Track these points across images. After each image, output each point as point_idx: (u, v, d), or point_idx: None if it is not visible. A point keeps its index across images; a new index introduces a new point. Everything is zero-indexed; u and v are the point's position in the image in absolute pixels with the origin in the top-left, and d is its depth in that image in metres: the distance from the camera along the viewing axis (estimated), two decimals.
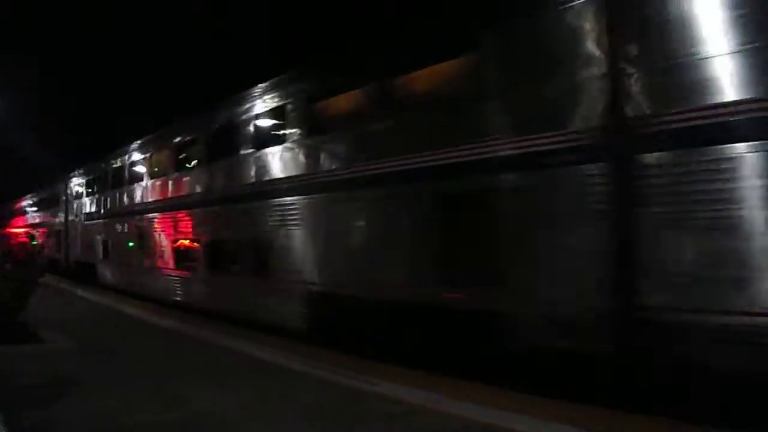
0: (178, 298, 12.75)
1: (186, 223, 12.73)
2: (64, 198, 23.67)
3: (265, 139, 9.89)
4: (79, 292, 16.88)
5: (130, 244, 15.68)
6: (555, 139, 5.50)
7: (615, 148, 5.07)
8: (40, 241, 27.98)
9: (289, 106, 9.13)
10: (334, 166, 8.23)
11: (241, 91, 10.60)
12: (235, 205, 10.67)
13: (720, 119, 4.48)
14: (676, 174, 4.70)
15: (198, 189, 12.25)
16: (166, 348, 8.35)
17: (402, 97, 7.42)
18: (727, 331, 4.39)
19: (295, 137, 9.02)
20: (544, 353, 5.45)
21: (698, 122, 4.57)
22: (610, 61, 5.11)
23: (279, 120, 9.54)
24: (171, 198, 13.53)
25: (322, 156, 8.45)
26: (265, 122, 9.97)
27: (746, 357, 4.33)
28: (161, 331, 9.85)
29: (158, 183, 14.38)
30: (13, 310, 8.44)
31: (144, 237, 14.74)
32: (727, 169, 4.44)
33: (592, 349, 5.14)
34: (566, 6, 5.54)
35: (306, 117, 8.86)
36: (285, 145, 9.28)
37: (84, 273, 19.90)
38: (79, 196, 21.84)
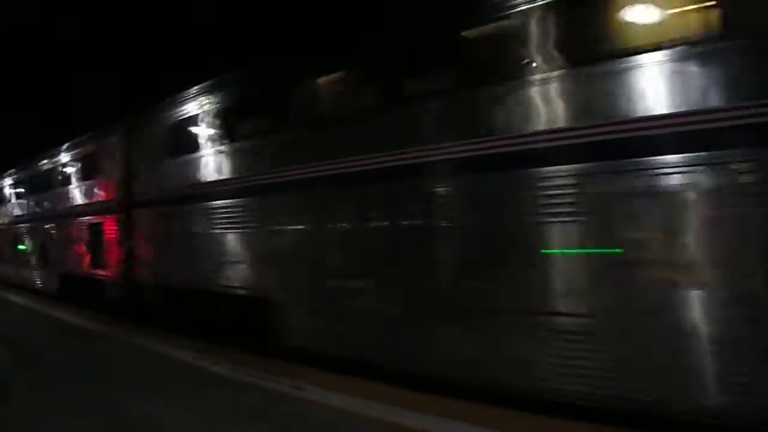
0: None
1: None
2: (121, 157, 11.61)
3: None
4: (12, 296, 16.20)
5: None
6: None
7: None
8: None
9: None
10: None
11: None
12: None
13: None
14: None
15: None
16: (102, 354, 8.25)
17: None
18: None
19: None
20: None
21: None
22: None
23: None
24: None
25: None
26: None
27: None
28: (97, 338, 9.60)
29: None
30: None
31: None
32: None
33: None
34: None
35: None
36: None
37: (195, 318, 9.09)
38: (193, 146, 9.33)
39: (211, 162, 8.92)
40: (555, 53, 4.99)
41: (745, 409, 4.10)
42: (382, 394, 5.67)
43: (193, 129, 9.36)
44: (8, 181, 19.71)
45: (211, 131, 8.95)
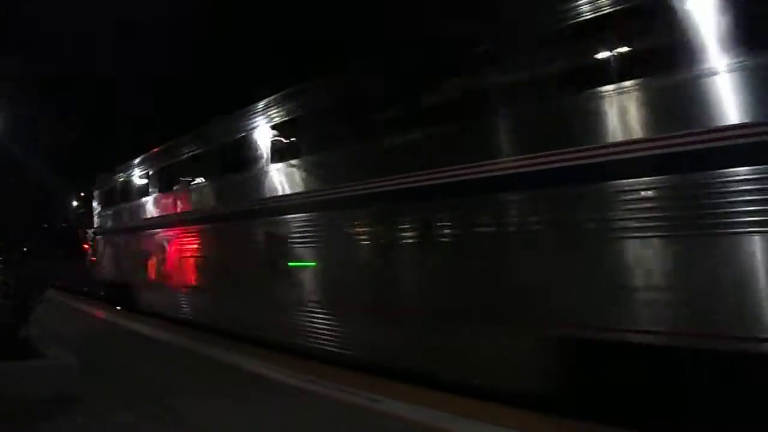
0: None
1: None
2: None
3: None
4: (82, 306, 17.41)
5: None
6: None
7: None
8: None
9: None
10: None
11: None
12: None
13: None
14: None
15: None
16: (170, 363, 8.74)
17: None
18: None
19: None
20: None
21: None
22: None
23: None
24: None
25: None
26: None
27: None
28: (165, 347, 10.25)
29: None
30: (13, 326, 8.86)
31: None
32: None
33: None
34: None
35: None
36: None
37: None
38: None
39: None
40: None
41: None
42: (458, 407, 5.87)
43: None
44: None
45: None
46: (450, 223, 7.02)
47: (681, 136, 5.05)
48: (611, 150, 5.51)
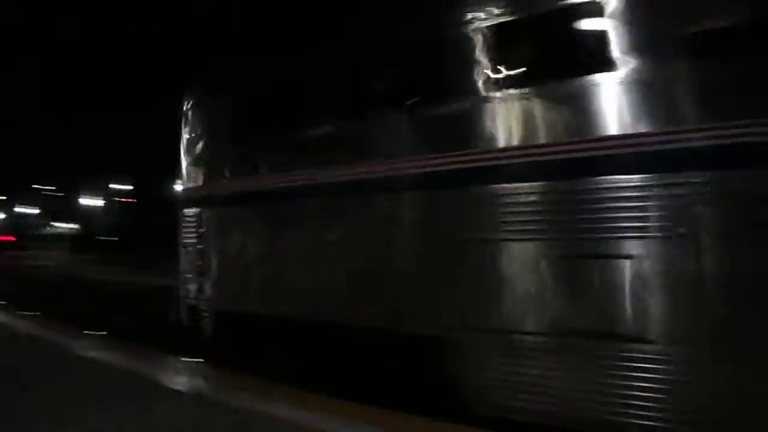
0: None
1: None
2: None
3: None
4: None
5: None
6: None
7: None
8: None
9: None
10: None
11: None
12: None
13: None
14: None
15: None
16: (58, 364, 8.55)
17: None
18: None
19: None
20: None
21: None
22: None
23: None
24: None
25: None
26: None
27: None
28: (50, 347, 10.01)
29: None
30: None
31: None
32: None
33: None
34: None
35: None
36: None
37: None
38: None
39: None
40: None
41: None
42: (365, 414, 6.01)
43: None
44: None
45: None
46: None
47: None
48: None
